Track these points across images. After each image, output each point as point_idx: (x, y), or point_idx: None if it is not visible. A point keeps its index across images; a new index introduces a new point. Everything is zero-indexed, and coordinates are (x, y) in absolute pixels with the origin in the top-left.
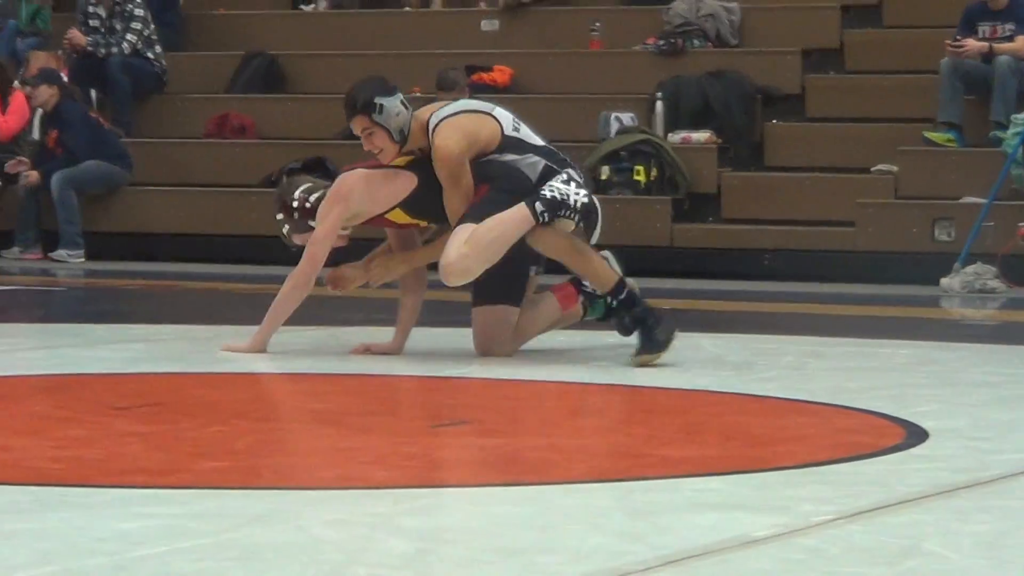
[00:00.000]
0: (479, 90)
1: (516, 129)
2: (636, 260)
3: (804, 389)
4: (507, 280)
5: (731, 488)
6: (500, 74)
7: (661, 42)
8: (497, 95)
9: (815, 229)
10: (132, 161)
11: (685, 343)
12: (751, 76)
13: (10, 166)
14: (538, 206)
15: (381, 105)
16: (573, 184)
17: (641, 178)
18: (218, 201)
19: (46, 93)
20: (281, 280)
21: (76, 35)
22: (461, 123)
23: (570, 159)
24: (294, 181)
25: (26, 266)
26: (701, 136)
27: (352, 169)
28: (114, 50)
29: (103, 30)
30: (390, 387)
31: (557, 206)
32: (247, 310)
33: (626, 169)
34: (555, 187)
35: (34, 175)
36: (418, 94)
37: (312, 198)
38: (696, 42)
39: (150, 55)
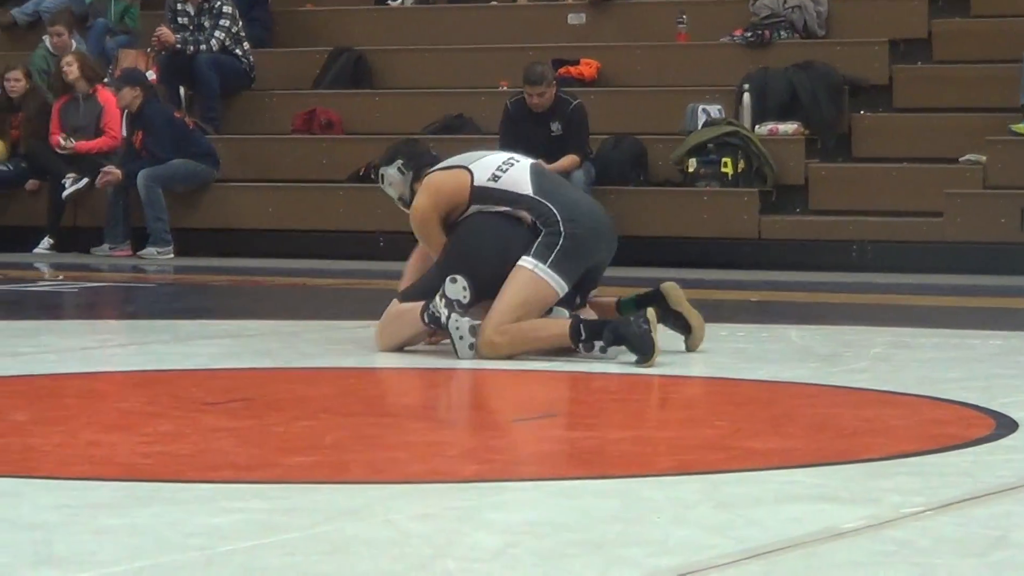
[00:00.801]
0: (566, 83)
1: (495, 178)
2: (723, 252)
3: (892, 380)
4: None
5: (819, 480)
6: (587, 67)
7: (748, 34)
8: (584, 88)
9: (903, 220)
10: (219, 159)
11: (773, 335)
12: (838, 67)
13: (100, 181)
14: (425, 317)
15: (382, 175)
16: (443, 300)
17: (728, 170)
18: (305, 197)
19: (129, 95)
20: (368, 275)
21: (165, 33)
22: (430, 180)
23: (563, 215)
24: None
25: (116, 263)
26: (788, 128)
27: None
28: (202, 47)
29: (191, 27)
30: (477, 381)
31: (438, 321)
32: (334, 305)
33: (713, 161)
34: (437, 305)
35: (116, 173)
36: (505, 88)
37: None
38: (783, 33)
39: (238, 52)
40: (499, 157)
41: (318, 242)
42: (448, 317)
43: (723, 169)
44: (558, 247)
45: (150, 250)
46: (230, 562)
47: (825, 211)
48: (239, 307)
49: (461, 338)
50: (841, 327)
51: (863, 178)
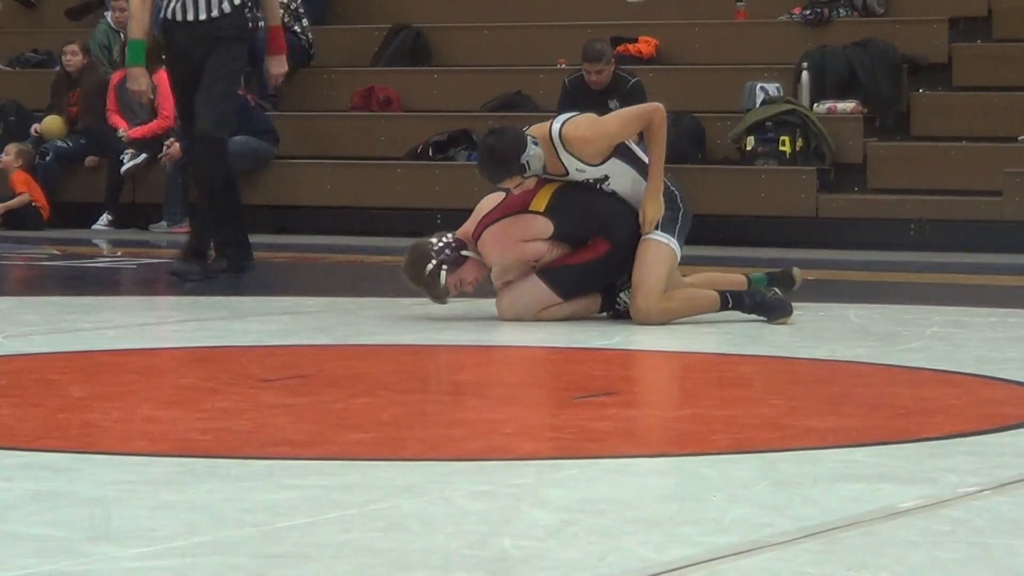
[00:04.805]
0: (625, 61)
1: (637, 143)
2: (781, 230)
3: (950, 360)
4: (583, 279)
5: (876, 459)
6: (645, 45)
7: (807, 12)
8: (642, 66)
9: (961, 199)
10: (279, 136)
11: (830, 314)
12: (897, 45)
13: (164, 155)
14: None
15: (528, 163)
16: None
17: (786, 148)
18: (364, 174)
19: None
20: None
21: None
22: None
23: (680, 196)
24: (422, 242)
25: (174, 240)
26: (847, 106)
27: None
28: (261, 24)
29: (250, 4)
30: (534, 358)
31: None
32: (391, 283)
33: (771, 139)
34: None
35: (175, 148)
36: (563, 65)
37: (451, 237)
38: (842, 11)
39: (297, 29)
40: None
41: (376, 219)
42: None
43: (781, 147)
44: (679, 223)
45: None
46: (287, 538)
47: (883, 190)
48: (297, 284)
49: None
50: (899, 306)
51: (921, 157)
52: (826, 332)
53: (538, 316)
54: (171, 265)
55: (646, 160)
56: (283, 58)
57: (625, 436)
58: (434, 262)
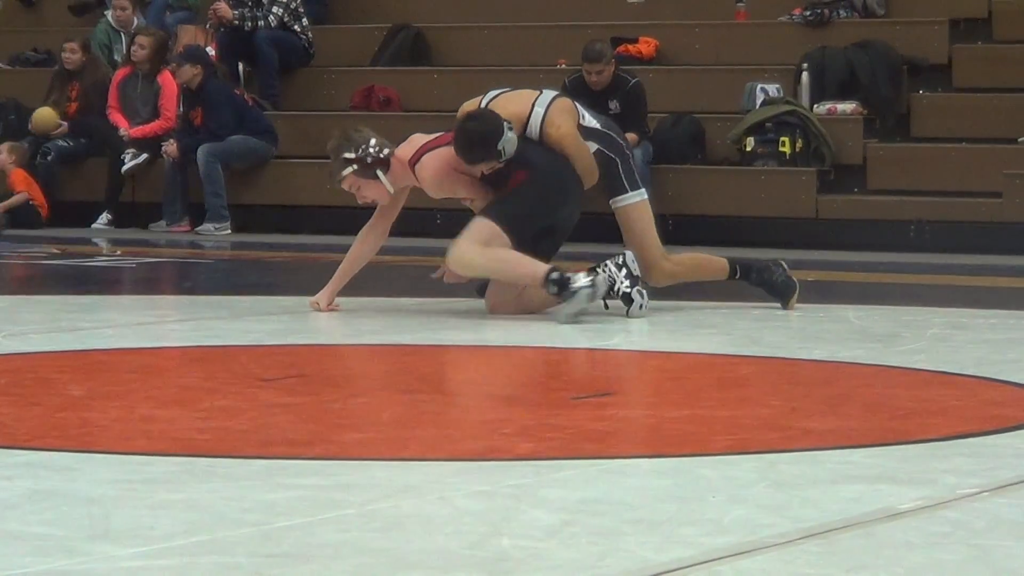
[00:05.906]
0: (625, 62)
1: (583, 117)
2: (781, 231)
3: (950, 361)
4: (515, 207)
5: (875, 460)
6: (645, 45)
7: (807, 12)
8: (642, 67)
9: (961, 200)
10: (278, 136)
11: (830, 315)
12: (897, 46)
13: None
14: (553, 275)
15: (503, 148)
16: (624, 271)
17: (786, 149)
18: None
19: (189, 72)
20: (425, 252)
21: (222, 8)
22: (565, 105)
23: (626, 144)
24: (364, 133)
25: (173, 239)
26: (847, 107)
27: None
28: (261, 24)
29: (250, 3)
30: (534, 359)
31: (565, 284)
32: (391, 282)
33: (771, 140)
34: (610, 269)
35: (173, 147)
36: (563, 66)
37: (385, 152)
38: (842, 12)
39: (297, 28)
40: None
41: None
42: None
43: (781, 148)
44: (633, 170)
45: (207, 226)
46: (286, 538)
47: (883, 191)
48: (296, 283)
49: (624, 283)
50: (899, 307)
51: (921, 158)
52: (826, 333)
53: (521, 293)
54: None
55: (598, 128)
56: None
57: (624, 436)
58: (353, 156)
